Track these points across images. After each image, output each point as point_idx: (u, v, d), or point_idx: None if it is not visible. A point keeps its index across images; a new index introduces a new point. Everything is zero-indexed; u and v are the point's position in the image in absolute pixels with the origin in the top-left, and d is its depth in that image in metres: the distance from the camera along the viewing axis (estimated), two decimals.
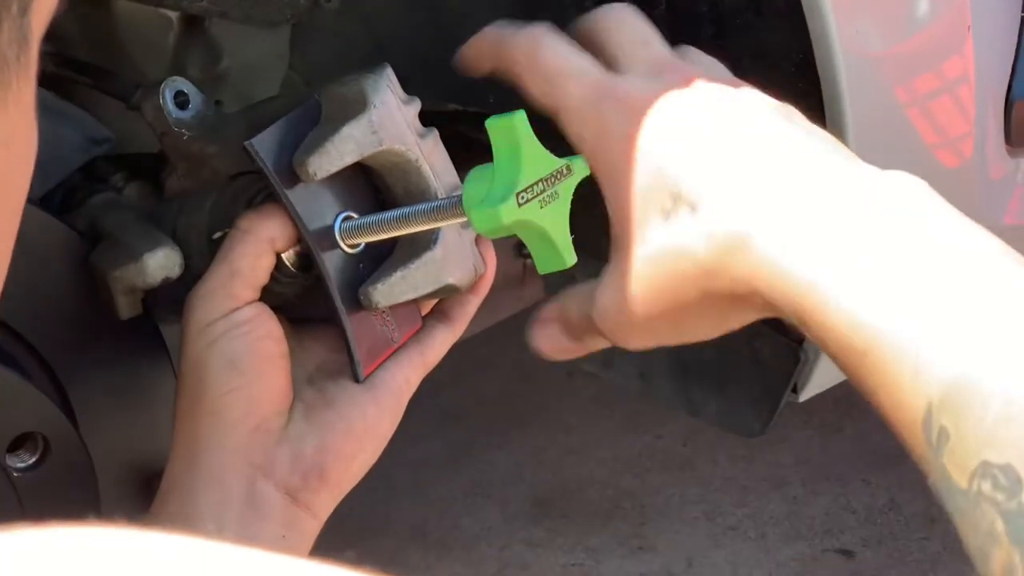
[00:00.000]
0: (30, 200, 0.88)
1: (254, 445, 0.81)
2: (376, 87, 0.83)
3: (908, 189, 0.63)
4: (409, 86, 0.89)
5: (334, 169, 0.81)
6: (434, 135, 0.88)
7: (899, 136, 1.06)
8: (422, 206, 0.82)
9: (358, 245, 0.85)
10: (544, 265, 0.78)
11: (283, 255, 0.84)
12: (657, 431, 2.29)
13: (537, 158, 0.77)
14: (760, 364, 1.21)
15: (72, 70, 1.11)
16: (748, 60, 1.00)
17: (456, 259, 0.87)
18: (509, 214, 0.75)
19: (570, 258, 0.78)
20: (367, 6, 1.30)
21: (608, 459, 2.25)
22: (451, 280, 0.86)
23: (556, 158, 0.78)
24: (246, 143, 0.81)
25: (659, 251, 0.68)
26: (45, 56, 1.16)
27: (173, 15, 1.21)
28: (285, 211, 0.82)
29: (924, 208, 0.62)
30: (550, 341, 0.78)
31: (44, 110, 0.93)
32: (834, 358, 0.62)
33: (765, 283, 0.64)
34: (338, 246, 0.84)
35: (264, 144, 0.81)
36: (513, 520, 2.11)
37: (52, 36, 1.29)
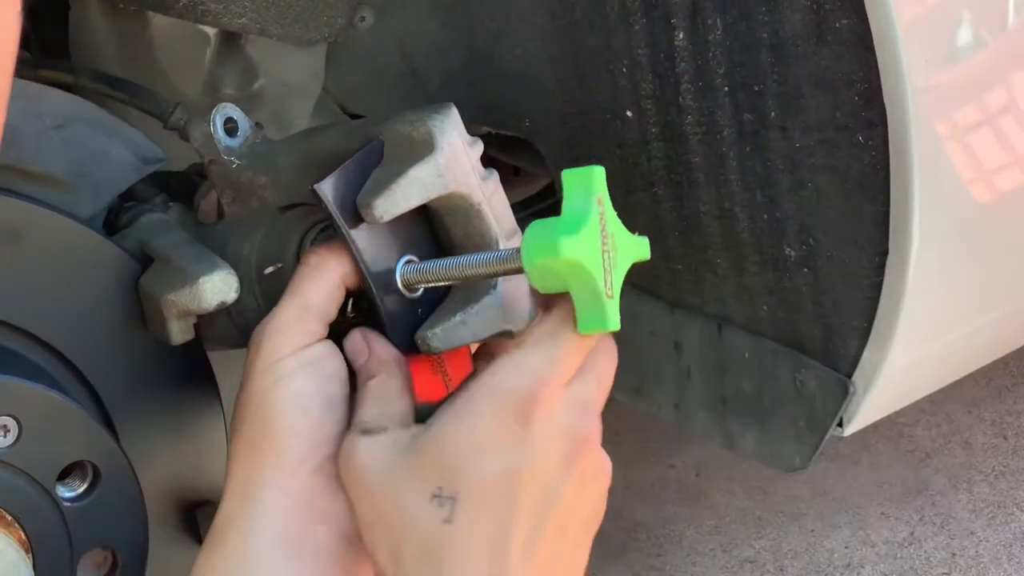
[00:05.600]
0: (80, 220, 0.86)
1: (315, 488, 0.78)
2: (443, 129, 0.81)
3: None
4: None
5: (399, 211, 0.79)
6: (495, 178, 0.85)
7: (958, 165, 1.04)
8: (486, 255, 0.80)
9: (417, 289, 0.83)
10: (587, 324, 0.74)
11: None
12: (669, 460, 2.27)
13: (608, 216, 0.75)
14: (804, 397, 1.18)
15: (106, 86, 1.09)
16: (810, 89, 0.98)
17: (514, 305, 0.84)
18: (569, 249, 0.73)
19: (615, 322, 0.75)
20: (400, 26, 1.28)
21: (620, 489, 2.21)
22: (508, 326, 0.84)
23: (624, 228, 0.77)
24: (313, 186, 0.78)
25: None
26: (80, 71, 1.14)
27: (211, 32, 1.19)
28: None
29: None
30: None
31: (95, 127, 0.91)
32: None
33: None
34: (398, 290, 0.82)
35: (330, 187, 0.79)
36: None
37: (87, 51, 1.27)
